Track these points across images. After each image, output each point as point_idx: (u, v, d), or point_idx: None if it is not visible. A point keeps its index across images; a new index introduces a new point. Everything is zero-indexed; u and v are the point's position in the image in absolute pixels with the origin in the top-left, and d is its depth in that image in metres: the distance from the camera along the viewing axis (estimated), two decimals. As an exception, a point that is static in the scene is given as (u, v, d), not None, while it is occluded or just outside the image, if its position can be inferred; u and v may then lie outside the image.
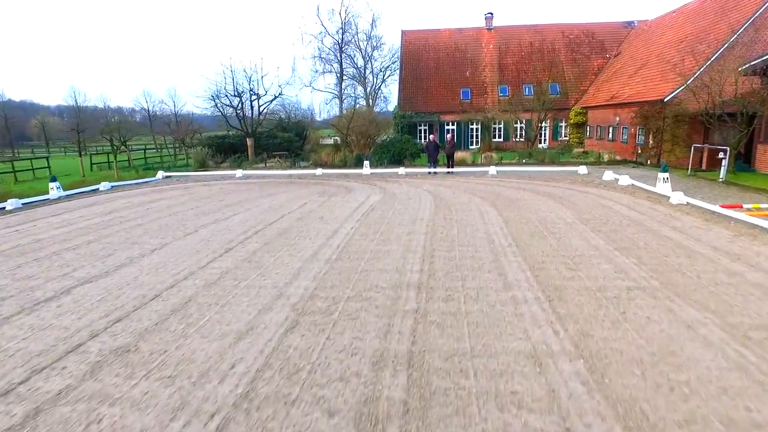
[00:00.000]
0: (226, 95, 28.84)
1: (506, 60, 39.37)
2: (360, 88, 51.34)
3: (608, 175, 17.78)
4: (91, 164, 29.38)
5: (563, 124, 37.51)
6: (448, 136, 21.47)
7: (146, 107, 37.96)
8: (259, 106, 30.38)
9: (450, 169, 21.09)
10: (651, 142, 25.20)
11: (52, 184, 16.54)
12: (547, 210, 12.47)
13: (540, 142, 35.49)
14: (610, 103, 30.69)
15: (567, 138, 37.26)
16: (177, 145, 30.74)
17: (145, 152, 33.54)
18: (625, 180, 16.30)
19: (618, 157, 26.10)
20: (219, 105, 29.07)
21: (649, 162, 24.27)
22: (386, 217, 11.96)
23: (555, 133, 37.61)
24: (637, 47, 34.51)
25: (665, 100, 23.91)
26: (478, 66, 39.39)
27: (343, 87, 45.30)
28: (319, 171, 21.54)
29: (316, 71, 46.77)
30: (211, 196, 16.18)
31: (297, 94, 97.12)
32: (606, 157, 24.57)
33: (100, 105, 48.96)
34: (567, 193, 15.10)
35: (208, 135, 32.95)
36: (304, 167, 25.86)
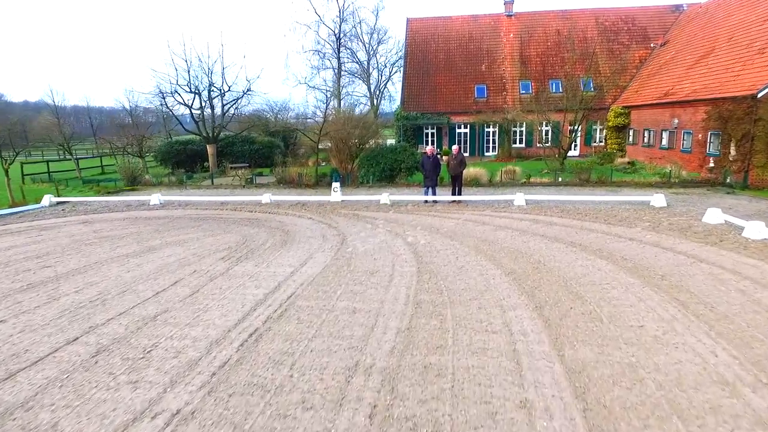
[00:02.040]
0: (177, 92, 22.41)
1: (529, 51, 32.26)
2: (364, 87, 44.64)
3: (713, 215, 10.75)
4: (23, 176, 23.28)
5: (597, 126, 30.28)
6: (454, 148, 14.55)
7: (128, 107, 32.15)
8: (223, 105, 23.96)
9: (456, 198, 14.26)
10: (733, 152, 17.98)
11: None
12: (656, 328, 5.65)
13: (570, 149, 28.29)
14: (664, 101, 23.43)
15: (603, 143, 30.02)
16: (126, 152, 24.59)
17: (101, 160, 27.40)
18: (756, 229, 9.29)
19: (684, 173, 18.89)
20: (167, 103, 22.65)
21: (731, 180, 17.05)
22: (293, 348, 5.31)
23: (588, 137, 30.39)
24: (693, 33, 27.07)
25: (759, 95, 16.69)
26: (496, 59, 32.35)
27: (341, 84, 38.58)
28: (266, 197, 14.85)
29: (313, 67, 40.34)
30: (51, 253, 9.72)
31: (290, 93, 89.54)
32: (676, 174, 17.42)
33: (83, 104, 43.32)
34: (664, 262, 8.25)
35: (175, 140, 26.70)
36: (259, 186, 19.26)
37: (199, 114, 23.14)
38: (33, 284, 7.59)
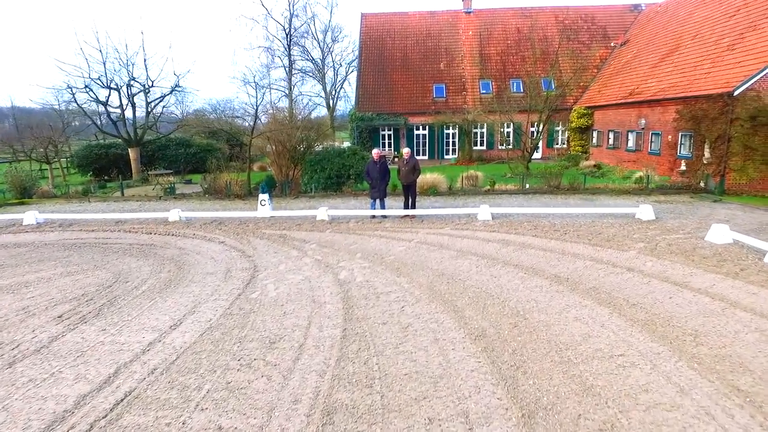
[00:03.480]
0: (88, 88, 18.75)
1: (489, 50, 30.27)
2: (319, 86, 41.74)
3: (717, 233, 8.58)
4: None
5: (560, 128, 28.57)
6: (405, 150, 11.89)
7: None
8: (148, 103, 20.51)
9: (408, 212, 11.65)
10: (707, 154, 16.26)
11: None
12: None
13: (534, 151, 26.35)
14: (629, 100, 21.77)
15: (565, 146, 28.33)
16: (30, 158, 20.75)
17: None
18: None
19: (656, 176, 17.07)
20: (78, 100, 18.95)
21: (711, 185, 15.27)
22: None
23: (550, 139, 28.63)
24: (655, 32, 25.70)
25: (735, 92, 14.99)
26: (455, 57, 30.18)
27: (293, 83, 35.50)
28: (173, 214, 11.80)
29: (262, 65, 37.14)
30: None
31: (237, 93, 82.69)
32: (651, 179, 15.48)
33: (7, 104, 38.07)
34: (686, 309, 5.98)
35: (95, 143, 22.92)
36: (179, 197, 16.15)
37: (119, 113, 19.65)
38: None
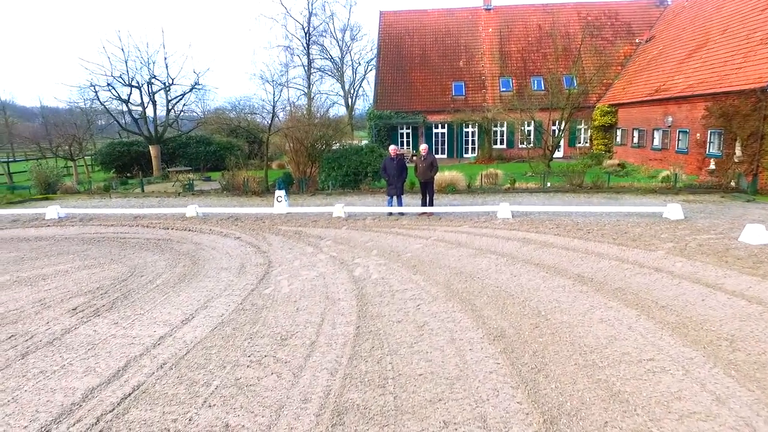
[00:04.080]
0: (111, 85, 19.02)
1: (509, 47, 29.76)
2: (338, 85, 41.76)
3: (752, 233, 8.13)
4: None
5: (582, 126, 27.93)
6: (422, 147, 11.70)
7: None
8: (168, 101, 20.71)
9: (426, 209, 11.43)
10: (739, 153, 15.61)
11: None
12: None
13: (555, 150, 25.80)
14: (656, 98, 21.09)
15: (588, 144, 27.68)
16: (56, 155, 21.18)
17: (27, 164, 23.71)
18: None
19: (684, 175, 16.45)
20: (100, 98, 19.23)
21: (739, 184, 14.63)
22: None
23: (572, 137, 28.00)
24: (682, 27, 24.85)
25: (769, 88, 14.33)
26: (474, 54, 29.77)
27: (311, 82, 35.56)
28: (191, 210, 11.80)
29: (282, 63, 37.29)
30: None
31: (256, 91, 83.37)
32: (680, 178, 14.90)
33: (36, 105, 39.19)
34: (720, 312, 5.67)
35: (118, 141, 23.29)
36: (198, 193, 16.23)
37: (140, 111, 19.89)
38: None
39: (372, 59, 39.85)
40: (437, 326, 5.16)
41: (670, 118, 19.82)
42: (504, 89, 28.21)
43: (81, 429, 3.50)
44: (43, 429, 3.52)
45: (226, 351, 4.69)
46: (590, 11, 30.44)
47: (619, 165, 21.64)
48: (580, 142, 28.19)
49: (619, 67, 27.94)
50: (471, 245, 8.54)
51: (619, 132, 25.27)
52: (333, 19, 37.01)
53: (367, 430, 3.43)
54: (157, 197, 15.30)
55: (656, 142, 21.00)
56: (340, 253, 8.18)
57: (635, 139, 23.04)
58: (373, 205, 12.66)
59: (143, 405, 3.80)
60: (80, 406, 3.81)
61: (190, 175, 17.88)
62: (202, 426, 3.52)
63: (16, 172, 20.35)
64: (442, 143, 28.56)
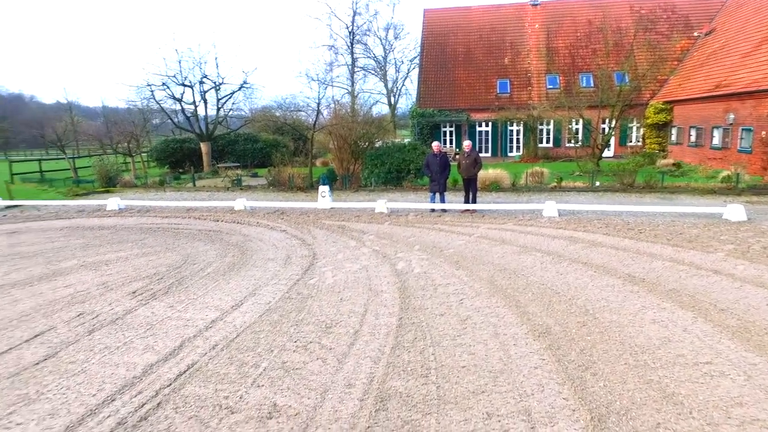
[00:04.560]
0: (165, 85, 20.00)
1: (556, 43, 28.92)
2: (381, 84, 41.99)
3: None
4: (12, 175, 21.38)
5: (633, 125, 26.77)
6: (466, 143, 11.61)
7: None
8: (218, 100, 21.53)
9: (469, 206, 11.33)
10: (810, 152, 14.50)
11: None
12: None
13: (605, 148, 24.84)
14: (716, 94, 19.91)
15: (640, 143, 26.49)
16: (116, 151, 22.51)
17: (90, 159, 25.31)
18: None
19: (746, 175, 15.45)
20: (156, 97, 20.26)
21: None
22: None
23: (623, 136, 26.89)
24: (746, 18, 23.31)
25: None
26: (520, 51, 29.14)
27: (354, 81, 35.97)
28: (239, 203, 12.20)
29: (326, 63, 37.90)
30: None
31: (302, 90, 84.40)
32: (742, 178, 14.01)
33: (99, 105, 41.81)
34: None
35: (171, 138, 24.50)
36: (245, 188, 16.72)
37: (192, 109, 20.83)
38: None
39: (415, 57, 39.79)
40: (480, 320, 5.12)
41: (732, 115, 18.66)
42: (551, 86, 27.46)
43: (142, 400, 3.73)
44: (108, 398, 3.77)
45: (273, 336, 4.85)
46: (643, 5, 29.11)
47: (674, 164, 20.59)
48: (631, 141, 27.03)
49: (675, 62, 26.56)
50: (515, 243, 8.39)
51: (674, 130, 24.04)
52: (376, 17, 37.23)
53: (410, 416, 3.46)
54: (207, 191, 15.97)
55: (716, 140, 19.84)
56: (382, 248, 8.25)
57: (692, 138, 21.85)
58: (415, 202, 12.68)
59: (197, 382, 3.99)
60: (141, 379, 4.05)
61: (238, 171, 18.57)
62: (251, 404, 3.66)
63: (80, 167, 21.81)
64: (486, 141, 28.16)
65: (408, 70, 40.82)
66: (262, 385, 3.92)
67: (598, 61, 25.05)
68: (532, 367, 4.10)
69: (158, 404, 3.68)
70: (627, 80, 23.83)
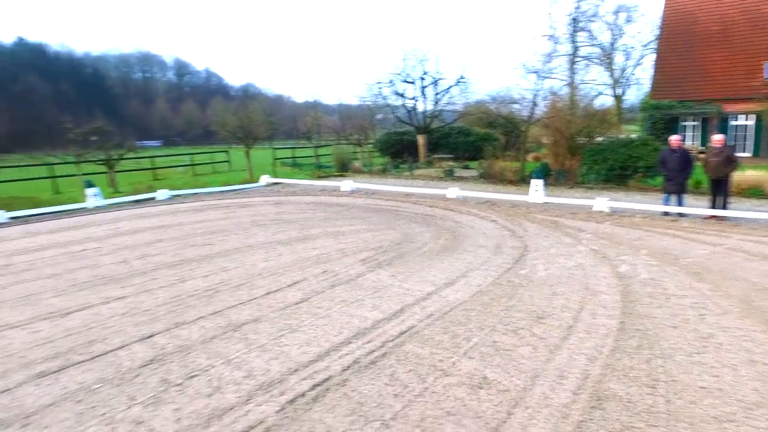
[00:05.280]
0: (392, 82, 21.93)
1: None
2: (604, 74, 38.00)
3: None
4: (274, 159, 26.90)
5: None
6: (716, 138, 9.62)
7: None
8: (436, 94, 22.63)
9: (716, 212, 9.40)
10: None
11: (88, 191, 12.79)
12: None
13: None
14: None
15: None
16: (350, 141, 25.87)
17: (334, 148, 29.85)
18: None
19: None
20: (382, 93, 22.40)
21: None
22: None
23: None
24: None
25: None
26: (809, 23, 22.51)
27: (575, 71, 33.32)
28: (451, 192, 12.62)
29: (544, 54, 35.90)
30: (225, 230, 9.76)
31: (517, 83, 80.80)
32: None
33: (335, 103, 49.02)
34: None
35: (393, 131, 27.12)
36: (457, 179, 17.18)
37: (413, 104, 22.58)
38: (184, 260, 7.35)
39: (650, 42, 34.64)
40: (728, 342, 4.30)
41: None
42: None
43: (371, 348, 4.35)
44: (346, 340, 4.51)
45: (483, 316, 5.02)
46: None
47: None
48: None
49: None
50: (784, 263, 6.68)
51: None
52: (604, 1, 33.52)
53: (632, 422, 3.18)
54: (423, 180, 17.21)
55: None
56: (601, 248, 7.59)
57: None
58: (642, 203, 11.20)
59: (415, 342, 4.44)
60: (370, 331, 4.71)
61: (451, 163, 19.44)
62: (463, 372, 3.90)
63: (321, 155, 26.07)
64: (744, 138, 22.83)
65: (640, 56, 35.84)
66: (473, 358, 4.12)
67: None
68: (804, 409, 3.28)
69: (384, 354, 4.23)
70: None
